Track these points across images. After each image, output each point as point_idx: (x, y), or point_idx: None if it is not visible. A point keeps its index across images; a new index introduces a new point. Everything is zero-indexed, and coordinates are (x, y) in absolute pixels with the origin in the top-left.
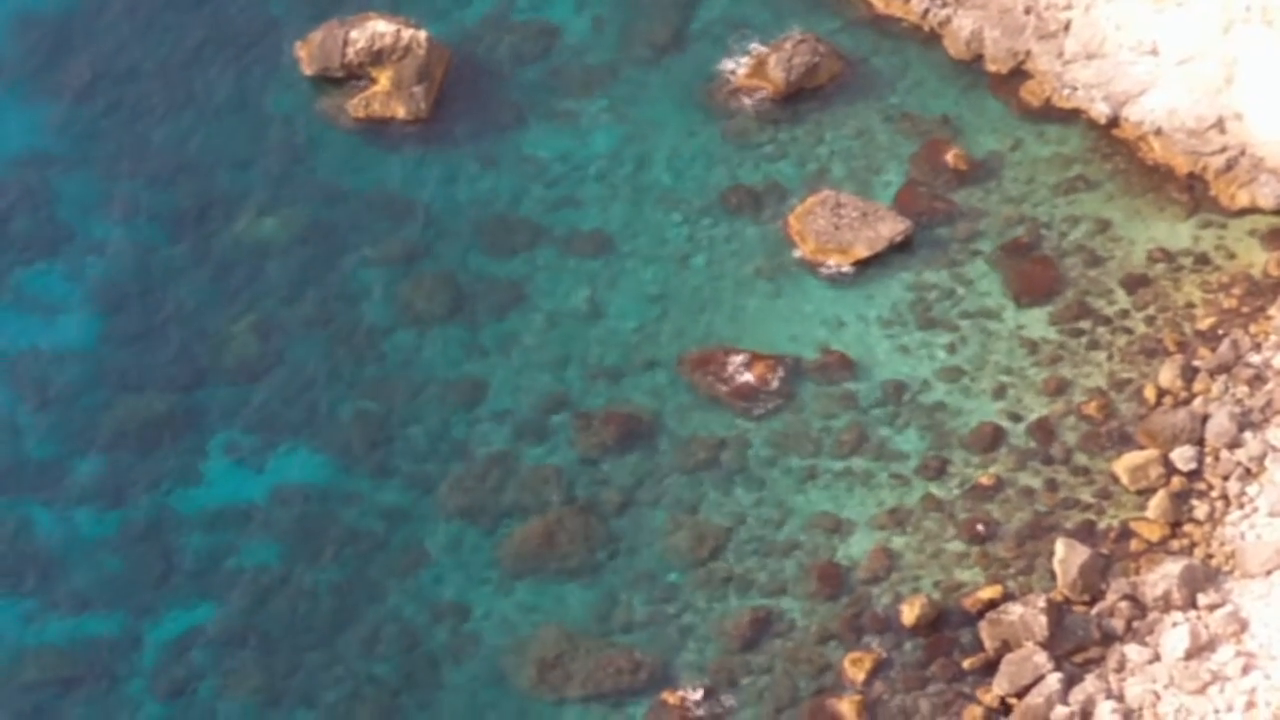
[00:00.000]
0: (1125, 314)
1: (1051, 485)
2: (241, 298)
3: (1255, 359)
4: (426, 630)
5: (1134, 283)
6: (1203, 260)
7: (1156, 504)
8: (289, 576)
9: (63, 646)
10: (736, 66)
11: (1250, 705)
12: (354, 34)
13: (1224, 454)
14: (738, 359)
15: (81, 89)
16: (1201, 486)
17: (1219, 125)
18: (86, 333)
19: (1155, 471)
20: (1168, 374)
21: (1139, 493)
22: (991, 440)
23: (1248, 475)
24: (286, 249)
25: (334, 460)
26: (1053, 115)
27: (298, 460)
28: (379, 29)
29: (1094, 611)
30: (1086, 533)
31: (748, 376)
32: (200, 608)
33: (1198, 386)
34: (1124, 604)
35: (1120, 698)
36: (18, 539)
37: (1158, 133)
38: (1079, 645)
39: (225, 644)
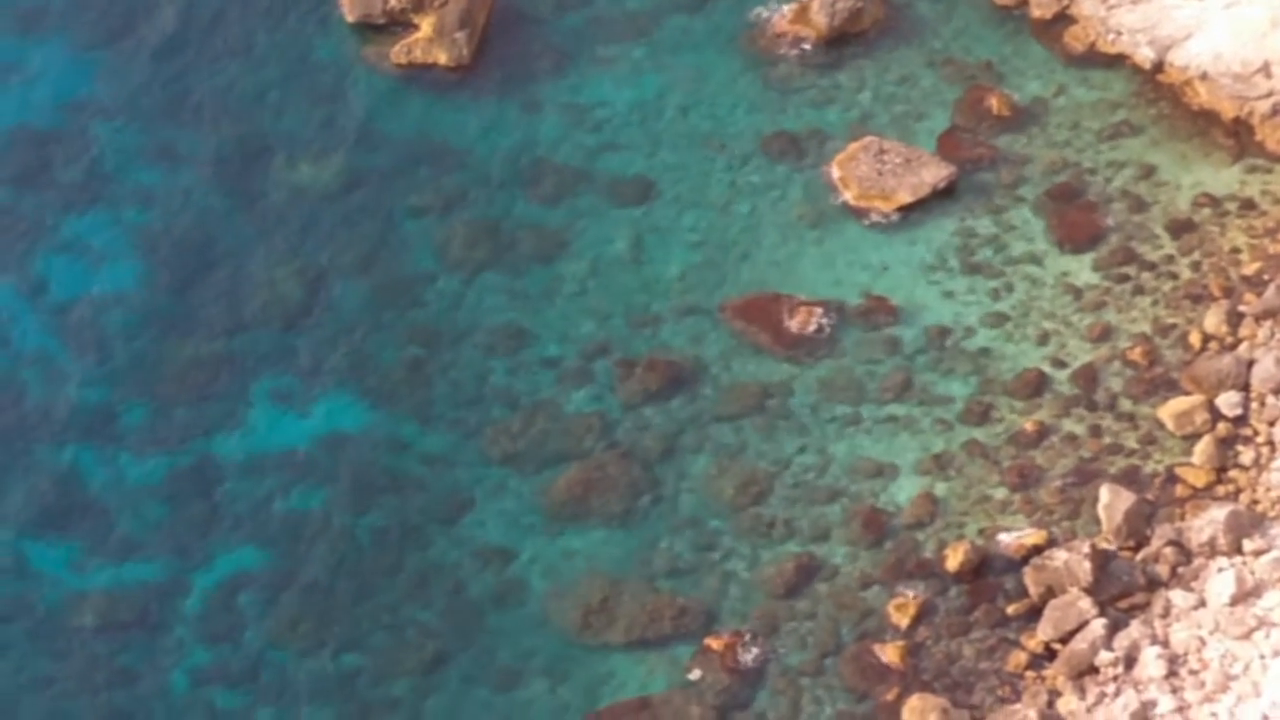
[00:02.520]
0: (1170, 259)
1: (1096, 431)
2: (286, 244)
3: None
4: (471, 575)
5: (1179, 228)
6: (1248, 205)
7: (1202, 449)
8: (334, 522)
9: (110, 591)
10: (779, 12)
11: None
12: None
13: (1270, 399)
14: (780, 305)
15: (127, 37)
16: (1247, 432)
17: (1265, 69)
18: (133, 279)
19: (1200, 417)
20: (1213, 319)
21: (1184, 438)
22: (1036, 386)
23: None
24: (330, 196)
25: (378, 406)
26: (1097, 60)
27: (342, 406)
28: None
29: (1139, 557)
30: (1131, 478)
31: (791, 323)
32: (246, 553)
33: (1243, 332)
34: (1169, 550)
35: (1165, 643)
36: (65, 484)
37: (1203, 77)
38: (1124, 591)
39: (271, 589)
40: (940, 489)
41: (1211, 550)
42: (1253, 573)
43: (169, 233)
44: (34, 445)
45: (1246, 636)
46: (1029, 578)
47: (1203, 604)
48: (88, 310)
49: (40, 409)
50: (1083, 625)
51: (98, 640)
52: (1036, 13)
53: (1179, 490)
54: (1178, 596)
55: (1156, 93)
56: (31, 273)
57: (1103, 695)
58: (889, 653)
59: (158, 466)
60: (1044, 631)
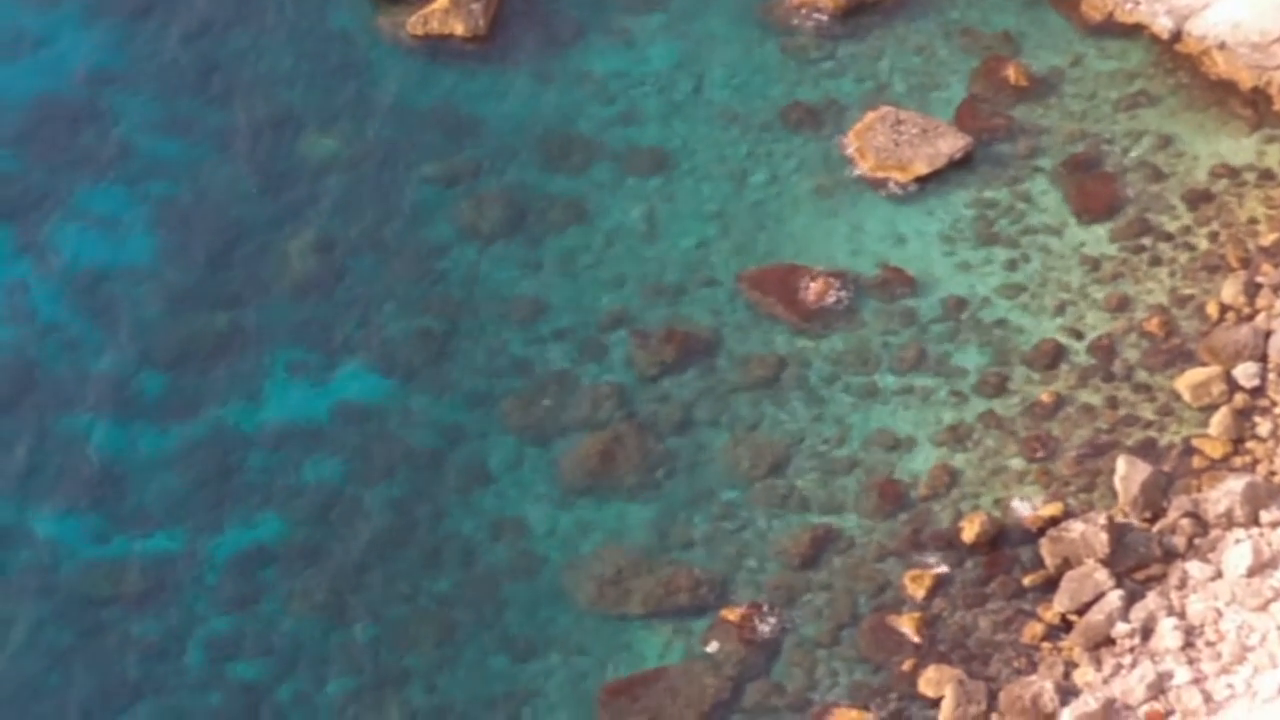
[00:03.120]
0: (1187, 230)
1: (1113, 402)
2: (301, 215)
3: None
4: (487, 547)
5: (1196, 198)
6: (1266, 175)
7: (1219, 421)
8: (350, 493)
9: (127, 562)
10: None
11: None
12: None
13: None
14: (797, 276)
15: (141, 7)
16: (1264, 403)
17: None
18: (152, 251)
19: (1217, 388)
20: (1230, 290)
21: (1201, 409)
22: (1052, 357)
23: None
24: (345, 167)
25: (395, 378)
26: (1114, 30)
27: (358, 377)
28: None
29: (1155, 529)
30: (1148, 450)
31: (807, 294)
32: (262, 524)
33: (1260, 302)
34: (1186, 521)
35: (1182, 615)
36: (84, 456)
37: (1221, 47)
38: (1140, 562)
39: (287, 560)
40: (957, 460)
41: (1228, 522)
42: (1270, 544)
43: (188, 205)
44: (53, 417)
45: (1263, 608)
46: (1045, 549)
47: (1219, 575)
48: (107, 282)
49: (59, 381)
50: (1099, 597)
51: (115, 611)
52: None
53: (1196, 462)
54: (1194, 568)
55: (1174, 63)
56: (51, 245)
57: (1119, 666)
58: (905, 624)
59: (176, 438)
60: (1060, 603)
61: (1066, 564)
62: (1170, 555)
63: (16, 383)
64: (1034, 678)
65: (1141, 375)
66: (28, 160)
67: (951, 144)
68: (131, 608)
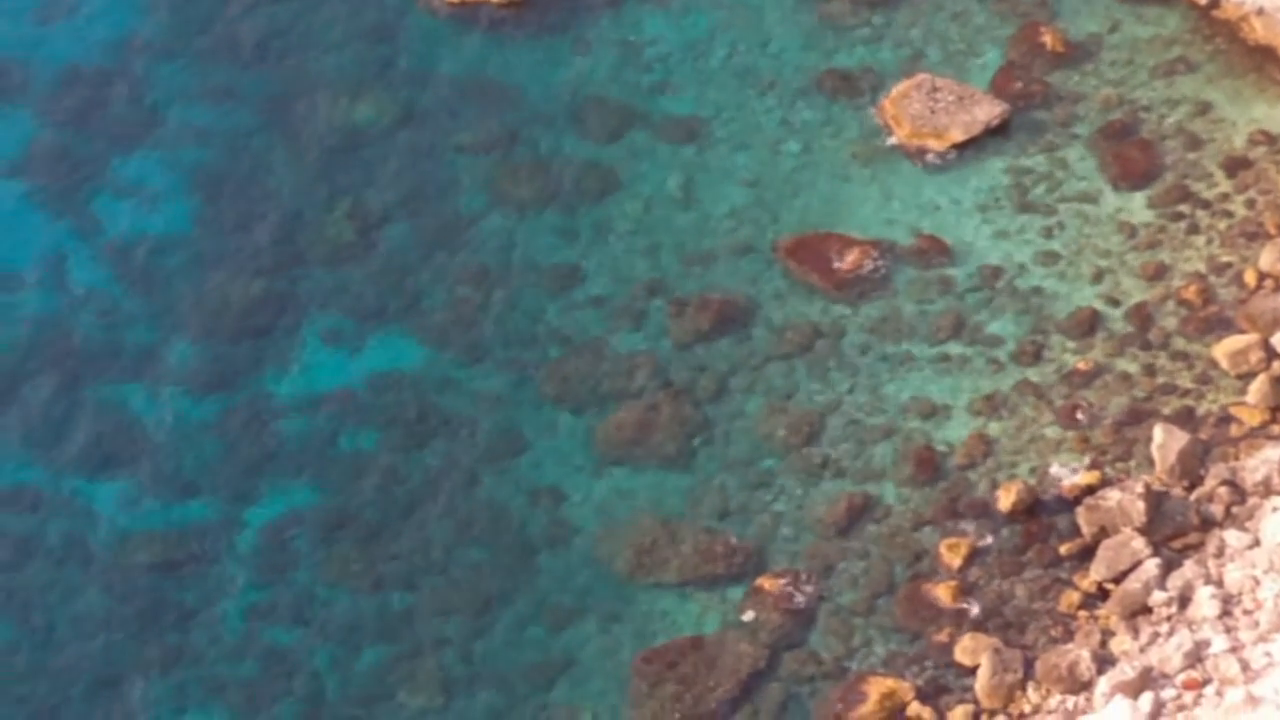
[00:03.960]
0: (1225, 197)
1: (1150, 370)
2: (336, 183)
3: None
4: (522, 516)
5: (1234, 165)
6: None
7: (1257, 389)
8: (385, 461)
9: (162, 530)
10: None
11: None
12: None
13: None
14: (832, 244)
15: None
16: None
17: None
18: (182, 218)
19: (1255, 356)
20: (1269, 257)
21: (1239, 377)
22: (1089, 325)
23: None
24: (380, 134)
25: (429, 345)
26: None
27: (393, 346)
28: None
29: (1193, 497)
30: (1185, 418)
31: (843, 262)
32: (298, 492)
33: None
34: (1223, 489)
35: (1219, 583)
36: (118, 423)
37: (1260, 12)
38: (1177, 531)
39: (323, 528)
40: (993, 429)
41: (1266, 490)
42: None
43: (221, 172)
44: (87, 384)
45: None
46: (1082, 517)
47: (1257, 543)
48: (140, 249)
49: (96, 349)
50: (1136, 565)
51: (150, 578)
52: None
53: (1233, 429)
54: (1232, 536)
55: (1212, 29)
56: (84, 212)
57: (1156, 635)
58: (941, 592)
59: (210, 405)
60: (1097, 571)
61: (1103, 532)
62: (1208, 523)
63: (54, 351)
64: (1070, 646)
65: (1179, 343)
66: (65, 129)
67: (988, 111)
68: (167, 575)
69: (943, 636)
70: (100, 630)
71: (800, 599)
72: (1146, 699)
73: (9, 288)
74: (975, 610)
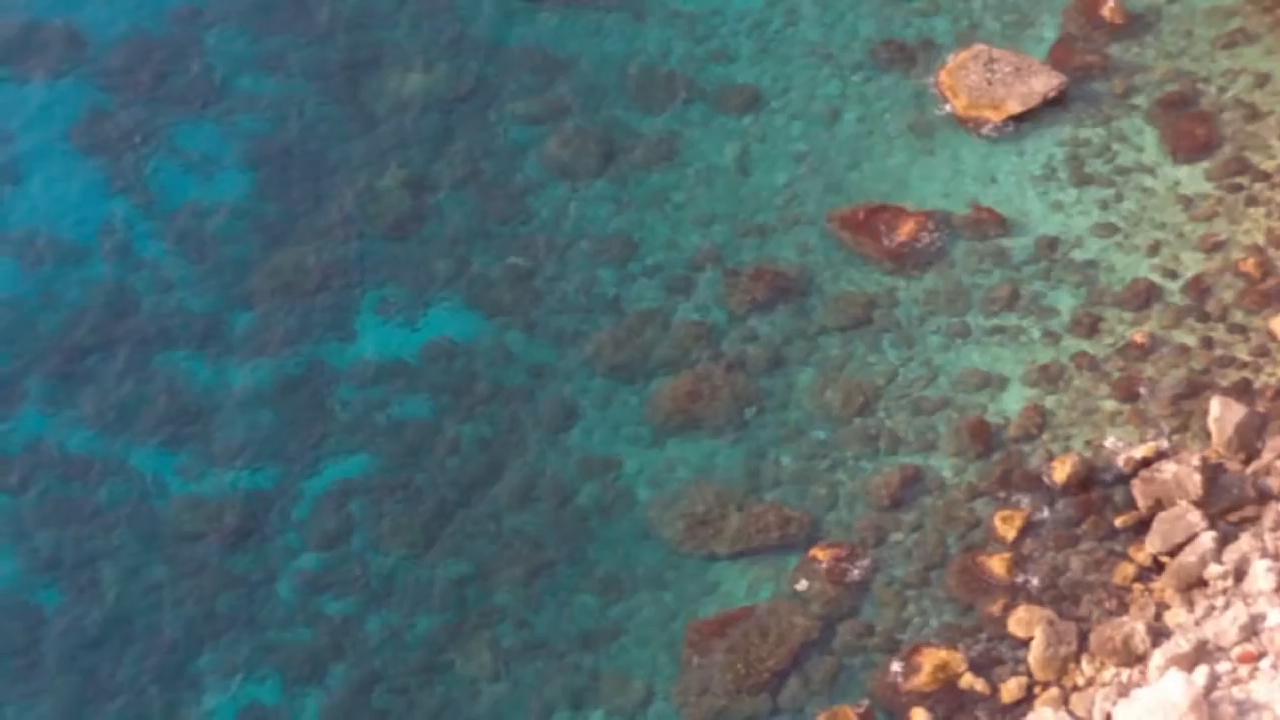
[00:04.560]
0: None
1: (1207, 343)
2: (394, 154)
3: None
4: (576, 485)
5: None
6: None
7: None
8: (441, 431)
9: (219, 498)
10: None
11: None
12: None
13: None
14: (888, 216)
15: None
16: None
17: None
18: (240, 187)
19: None
20: None
21: None
22: (1146, 297)
23: None
24: (437, 104)
25: (485, 316)
26: None
27: (448, 315)
28: None
29: (1249, 470)
30: (1242, 390)
31: (898, 233)
32: (354, 461)
33: None
34: None
35: (1275, 556)
36: (176, 391)
37: None
38: (1233, 504)
39: (378, 497)
40: (1048, 401)
41: None
42: None
43: (279, 142)
44: (146, 352)
45: None
46: (1138, 490)
47: None
48: (199, 218)
49: (151, 316)
50: (1192, 538)
51: (207, 546)
52: None
53: None
54: None
55: (1272, 0)
56: (143, 181)
57: (1211, 608)
58: (995, 564)
59: (267, 374)
60: (1152, 544)
61: (1159, 505)
62: (1264, 496)
63: (113, 318)
64: (1125, 619)
65: (1236, 316)
66: (123, 97)
67: (1045, 82)
68: (224, 543)
69: (996, 608)
70: (161, 598)
71: (854, 570)
72: (1201, 672)
73: (72, 258)
74: (1029, 582)
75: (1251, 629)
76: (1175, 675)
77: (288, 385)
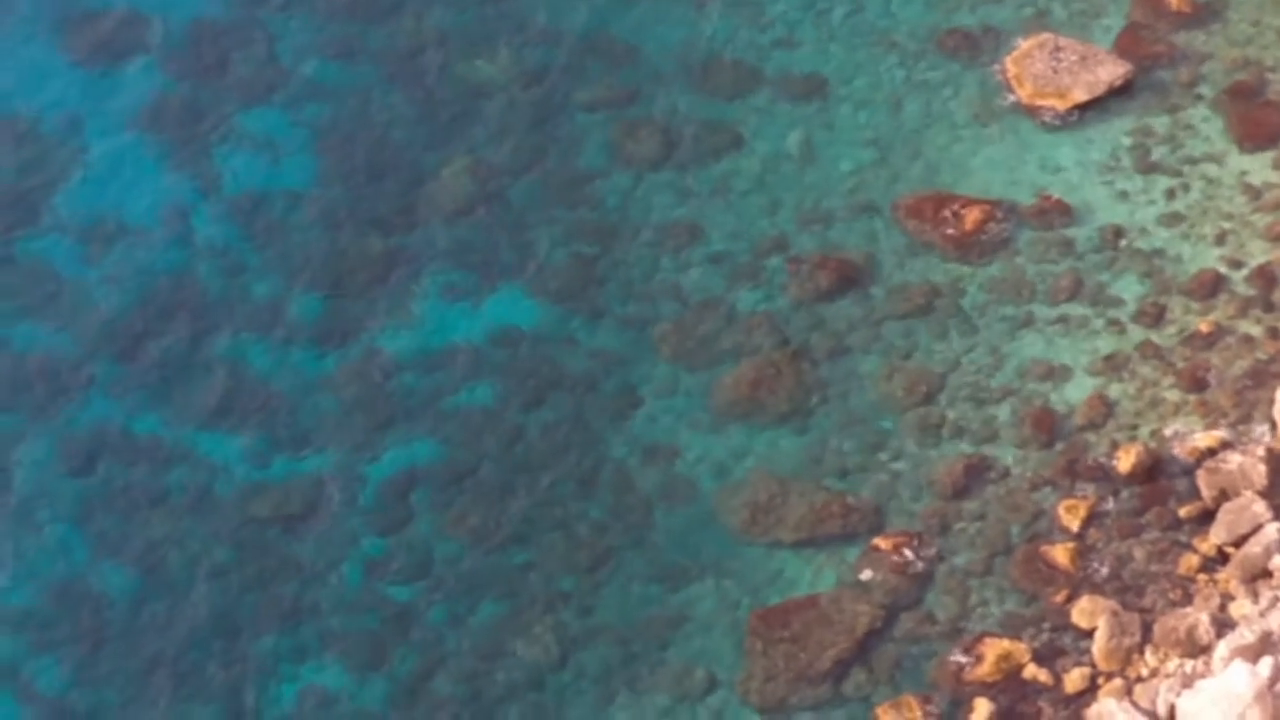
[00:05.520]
0: None
1: (1273, 333)
2: (456, 139)
3: None
4: (639, 472)
5: None
6: None
7: None
8: (504, 417)
9: (284, 483)
10: None
11: None
12: None
13: None
14: (953, 204)
15: None
16: None
17: None
18: (306, 173)
19: None
20: None
21: None
22: (1212, 287)
23: None
24: (502, 91)
25: (548, 302)
26: None
27: (512, 302)
28: None
29: None
30: None
31: (963, 222)
32: (417, 447)
33: None
34: None
35: None
36: (241, 377)
37: None
38: None
39: (442, 483)
40: (1113, 390)
41: None
42: None
43: (346, 128)
44: (208, 337)
45: None
46: (1202, 480)
47: None
48: (263, 204)
49: (218, 303)
50: (1257, 529)
51: (272, 532)
52: None
53: None
54: None
55: None
56: (208, 166)
57: (1276, 599)
58: (1059, 554)
59: (332, 360)
60: (1217, 535)
61: (1224, 495)
62: None
63: (176, 305)
64: (1189, 610)
65: None
66: (188, 82)
67: (1111, 71)
68: (288, 528)
69: (1060, 598)
70: (222, 583)
71: (917, 559)
72: (1266, 663)
73: (134, 241)
74: (1093, 572)
75: None
76: (1239, 667)
77: (351, 370)
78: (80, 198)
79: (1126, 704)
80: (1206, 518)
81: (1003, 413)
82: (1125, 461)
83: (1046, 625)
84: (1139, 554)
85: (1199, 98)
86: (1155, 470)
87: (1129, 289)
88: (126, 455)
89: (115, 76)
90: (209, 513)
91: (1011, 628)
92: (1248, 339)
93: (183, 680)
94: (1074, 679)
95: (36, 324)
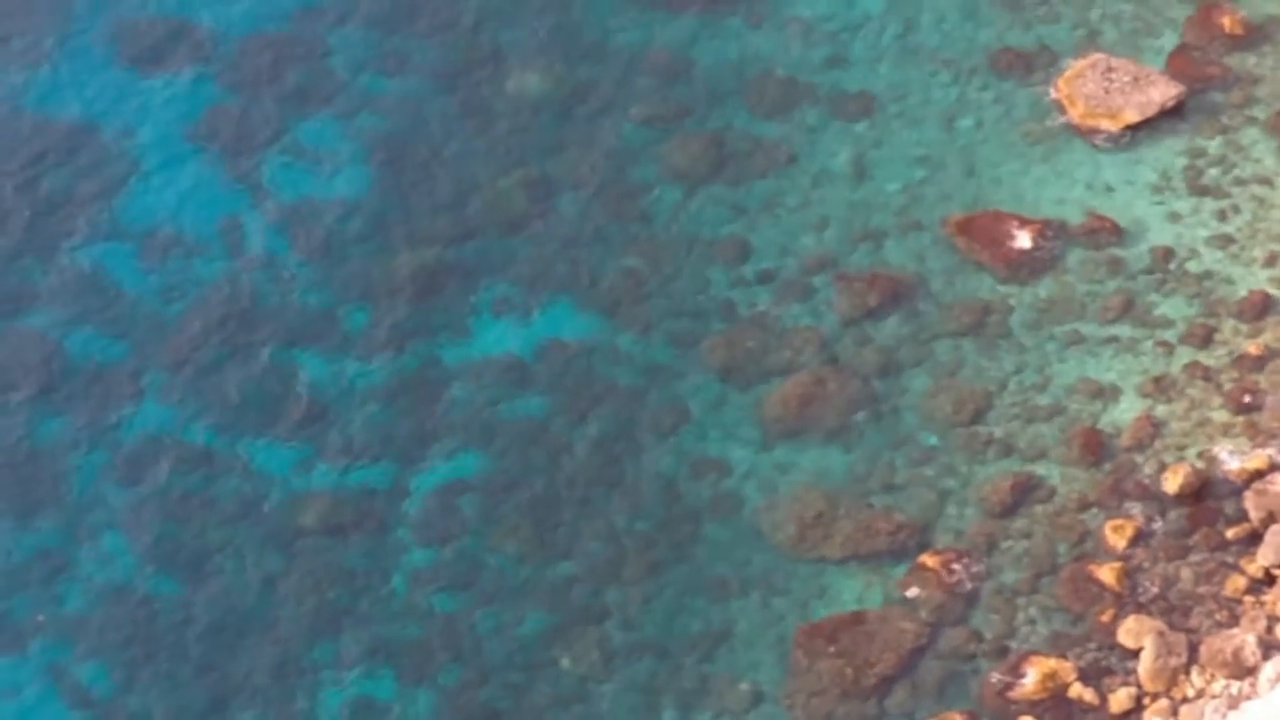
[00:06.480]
0: None
1: None
2: (510, 153)
3: None
4: (687, 487)
5: None
6: None
7: None
8: (552, 430)
9: (332, 493)
10: None
11: None
12: None
13: None
14: (1003, 223)
15: None
16: None
17: None
18: (359, 185)
19: None
20: None
21: None
22: (1261, 309)
23: None
24: (555, 105)
25: (598, 316)
26: None
27: (563, 315)
28: None
29: None
30: None
31: (1012, 241)
32: (466, 458)
33: None
34: None
35: None
36: (291, 386)
37: None
38: None
39: (490, 495)
40: (1161, 411)
41: None
42: None
43: (396, 139)
44: (261, 347)
45: None
46: (1250, 502)
47: None
48: (315, 214)
49: (267, 311)
50: None
51: (320, 541)
52: None
53: None
54: None
55: None
56: (261, 176)
57: None
58: (1106, 574)
59: (380, 371)
60: (1264, 556)
61: (1271, 518)
62: None
63: (230, 314)
64: (1236, 631)
65: None
66: (244, 94)
67: (1163, 92)
68: (337, 538)
69: (1106, 618)
70: (271, 591)
71: (963, 577)
72: None
73: (188, 252)
74: (1140, 592)
75: None
76: None
77: (402, 382)
78: (136, 207)
79: None
80: (1254, 539)
81: (1051, 432)
82: (1173, 482)
83: (1092, 645)
84: (1186, 575)
85: (1251, 119)
86: (1203, 491)
87: (1178, 310)
88: (178, 463)
89: (172, 86)
90: (259, 522)
91: (1057, 647)
92: None
93: (231, 688)
94: (1120, 699)
95: (91, 331)
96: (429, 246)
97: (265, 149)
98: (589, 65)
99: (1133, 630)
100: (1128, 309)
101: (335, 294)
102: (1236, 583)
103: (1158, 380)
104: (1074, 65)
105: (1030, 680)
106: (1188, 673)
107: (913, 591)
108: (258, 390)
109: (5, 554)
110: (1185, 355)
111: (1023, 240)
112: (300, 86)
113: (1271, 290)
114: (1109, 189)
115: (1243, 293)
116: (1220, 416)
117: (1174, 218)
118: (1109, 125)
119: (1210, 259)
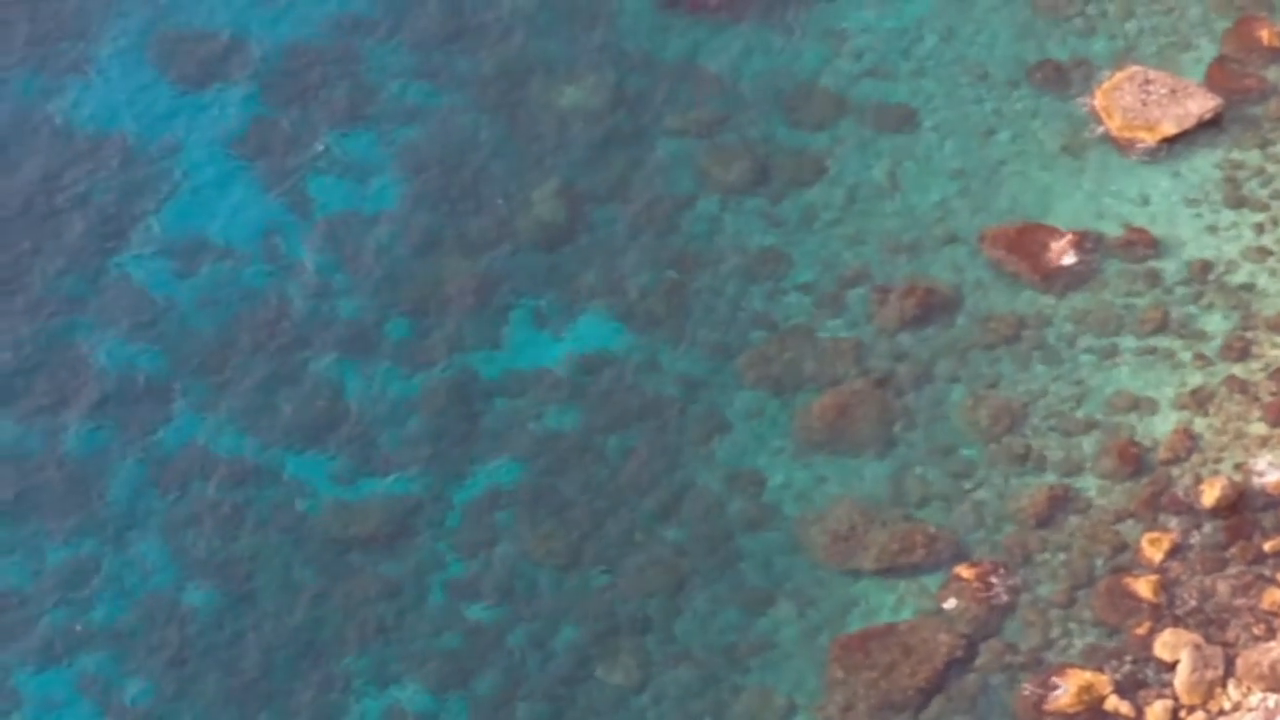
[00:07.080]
0: None
1: None
2: (546, 164)
3: None
4: (722, 498)
5: None
6: None
7: None
8: (589, 441)
9: (369, 503)
10: None
11: None
12: None
13: None
14: (1040, 235)
15: None
16: None
17: None
18: (396, 195)
19: None
20: None
21: None
22: None
23: None
24: (591, 116)
25: (635, 328)
26: None
27: (599, 327)
28: None
29: None
30: None
31: (1050, 253)
32: (502, 469)
33: None
34: None
35: None
36: (328, 397)
37: None
38: None
39: (526, 506)
40: (1198, 424)
41: None
42: None
43: (434, 152)
44: (299, 358)
45: None
46: None
47: None
48: (353, 226)
49: (305, 323)
50: None
51: (357, 551)
52: None
53: None
54: None
55: None
56: (299, 188)
57: None
58: (1142, 587)
59: (419, 382)
60: None
61: None
62: None
63: (267, 324)
64: (1273, 644)
65: None
66: (281, 105)
67: (1201, 105)
68: (374, 548)
69: (1142, 631)
70: (308, 602)
71: (999, 589)
72: None
73: (226, 262)
74: (1176, 605)
75: None
76: None
77: (439, 393)
78: (176, 218)
79: None
80: None
81: (1087, 444)
82: (1209, 495)
83: (1129, 657)
84: (1222, 588)
85: None
86: (1239, 504)
87: (1215, 323)
88: (215, 474)
89: (214, 99)
90: (295, 532)
91: (1093, 659)
92: None
93: (267, 697)
94: (1156, 712)
95: (131, 342)
96: (466, 258)
97: (303, 159)
98: (625, 76)
99: (1169, 643)
100: (1165, 322)
101: (372, 305)
102: (1274, 596)
103: (1195, 393)
104: (1112, 77)
105: (1066, 693)
106: (1224, 686)
107: (949, 603)
108: (301, 403)
109: (50, 566)
110: (1222, 368)
111: (1060, 253)
112: (338, 97)
113: None
114: (1146, 201)
115: None
116: (1257, 429)
117: (1211, 230)
118: (1147, 137)
119: (1248, 272)
